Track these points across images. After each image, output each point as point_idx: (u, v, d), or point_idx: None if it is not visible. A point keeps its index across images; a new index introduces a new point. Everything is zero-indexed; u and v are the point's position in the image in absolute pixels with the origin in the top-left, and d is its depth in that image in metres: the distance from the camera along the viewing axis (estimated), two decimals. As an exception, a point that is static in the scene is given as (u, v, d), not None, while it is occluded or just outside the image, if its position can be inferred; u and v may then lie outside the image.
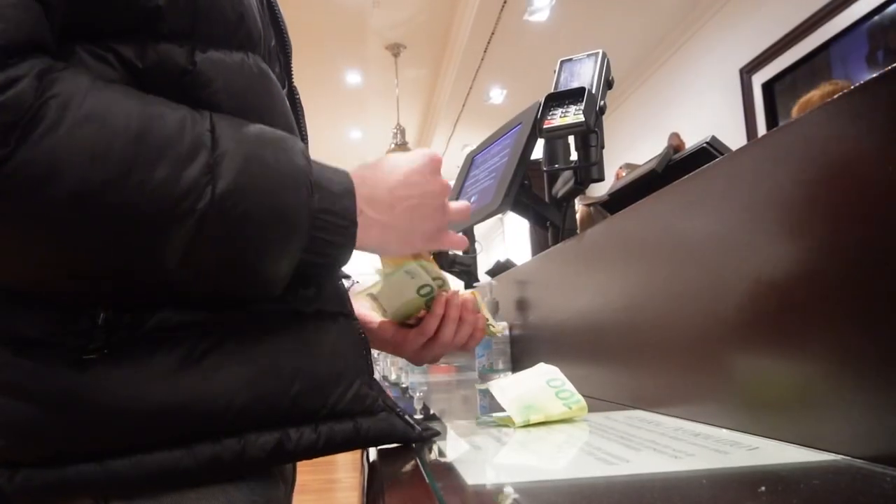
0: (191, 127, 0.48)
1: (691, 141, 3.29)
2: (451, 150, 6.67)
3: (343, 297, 0.63)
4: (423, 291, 0.76)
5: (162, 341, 0.51)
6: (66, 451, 0.49)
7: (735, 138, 3.75)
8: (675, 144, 4.41)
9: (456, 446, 0.62)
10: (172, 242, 0.47)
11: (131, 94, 0.48)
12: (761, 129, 3.75)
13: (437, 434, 0.66)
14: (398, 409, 0.62)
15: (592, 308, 1.00)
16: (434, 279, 0.76)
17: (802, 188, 0.53)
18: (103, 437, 0.50)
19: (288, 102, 0.64)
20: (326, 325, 0.60)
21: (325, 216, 0.54)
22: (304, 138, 0.70)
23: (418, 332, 0.80)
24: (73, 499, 0.50)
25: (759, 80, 3.78)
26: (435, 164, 0.66)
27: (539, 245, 1.66)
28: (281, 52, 0.67)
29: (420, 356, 0.82)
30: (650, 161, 1.19)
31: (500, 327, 1.40)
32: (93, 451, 0.50)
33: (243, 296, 0.55)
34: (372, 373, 0.62)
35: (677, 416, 0.70)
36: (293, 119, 0.64)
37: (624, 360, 0.88)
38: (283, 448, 0.54)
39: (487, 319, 0.84)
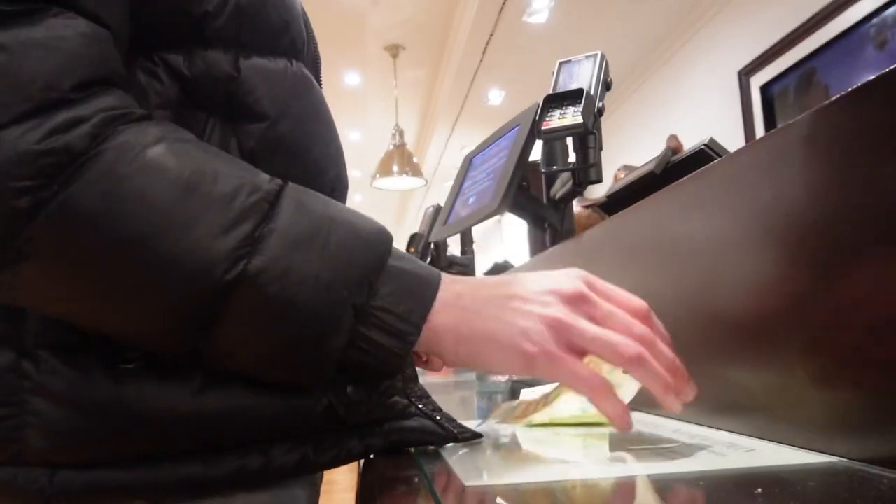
0: (249, 193, 0.47)
1: (690, 143, 3.30)
2: (450, 152, 6.67)
3: None
4: None
5: (195, 353, 0.51)
6: (102, 457, 0.50)
7: (734, 140, 3.76)
8: (674, 146, 4.40)
9: (454, 447, 0.62)
10: (195, 309, 0.46)
11: (197, 147, 0.47)
12: (759, 131, 3.76)
13: (479, 437, 0.63)
14: (435, 414, 0.61)
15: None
16: None
17: (801, 190, 0.53)
18: (136, 445, 0.51)
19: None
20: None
21: (381, 314, 0.49)
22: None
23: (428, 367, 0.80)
24: (106, 501, 0.51)
25: (757, 82, 3.78)
26: (575, 271, 0.56)
27: (537, 246, 1.65)
28: (312, 65, 0.67)
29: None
30: (648, 163, 1.19)
31: None
32: (126, 457, 0.51)
33: (282, 381, 0.52)
34: (409, 380, 0.61)
35: (675, 419, 0.70)
36: (335, 127, 0.64)
37: (621, 361, 0.88)
38: (308, 459, 0.55)
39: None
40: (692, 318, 0.70)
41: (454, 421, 0.63)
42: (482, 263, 2.50)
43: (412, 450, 0.61)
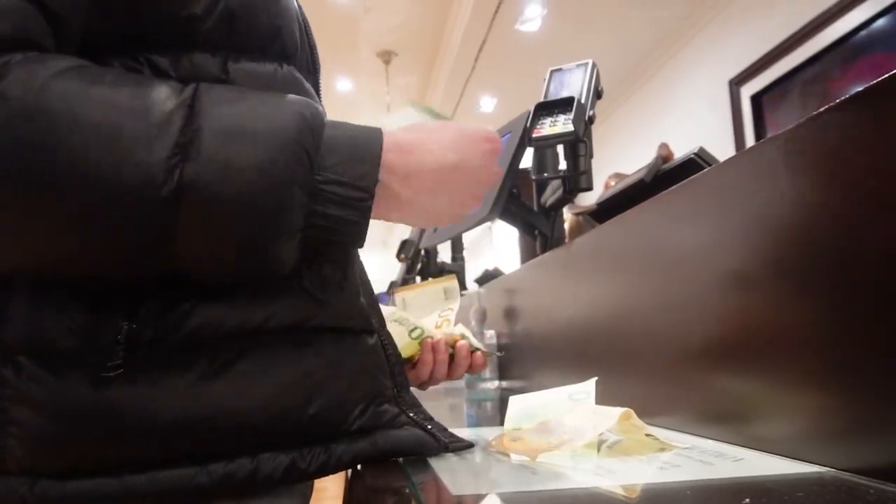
0: (163, 100, 0.46)
1: (681, 151, 3.31)
2: (442, 158, 6.67)
3: (367, 314, 0.62)
4: (414, 335, 0.79)
5: (182, 358, 0.51)
6: (84, 465, 0.50)
7: (724, 148, 3.78)
8: (664, 154, 4.42)
9: (442, 456, 0.62)
10: (153, 227, 0.46)
11: (96, 78, 0.46)
12: (749, 139, 3.78)
13: (470, 446, 0.64)
14: (425, 424, 0.61)
15: (580, 317, 1.00)
16: (413, 329, 0.80)
17: (788, 201, 0.53)
18: (120, 452, 0.50)
19: None
20: (349, 343, 0.59)
21: (332, 187, 0.50)
22: None
23: (414, 376, 0.81)
24: None
25: (747, 91, 3.80)
26: (494, 149, 0.61)
27: (527, 254, 1.65)
28: (311, 70, 0.66)
29: (421, 388, 0.83)
30: (639, 171, 1.20)
31: (501, 353, 1.40)
32: (110, 465, 0.50)
33: (254, 277, 0.53)
34: (401, 388, 0.61)
35: (665, 427, 0.70)
36: None
37: (611, 369, 0.88)
38: (296, 467, 0.54)
39: (484, 352, 0.86)
40: (680, 326, 0.70)
41: (446, 430, 0.62)
42: (472, 269, 2.50)
43: (400, 459, 0.61)
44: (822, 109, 0.49)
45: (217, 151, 0.46)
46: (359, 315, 0.60)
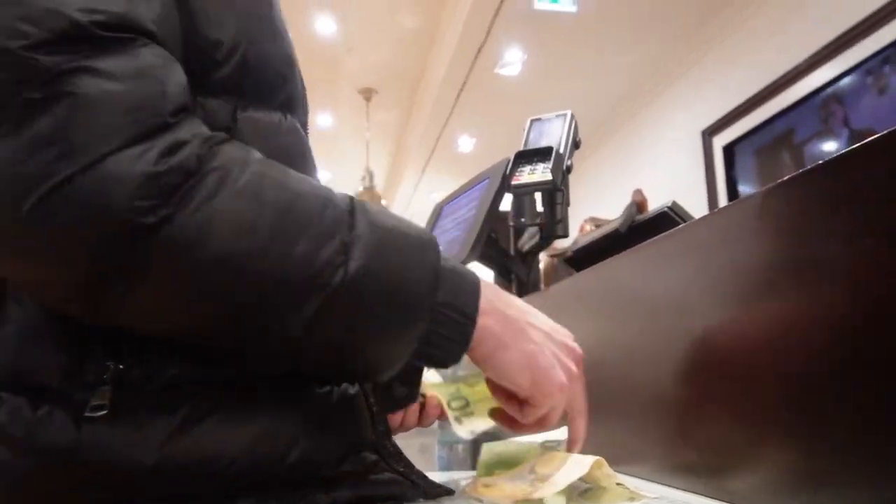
0: (332, 208, 0.50)
1: (655, 196, 3.37)
2: (419, 196, 6.72)
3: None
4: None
5: (166, 401, 0.51)
6: None
7: (697, 195, 3.87)
8: (639, 201, 4.49)
9: (417, 502, 0.62)
10: (302, 312, 0.48)
11: (280, 172, 0.50)
12: (721, 188, 3.87)
13: (450, 493, 0.64)
14: (407, 473, 0.61)
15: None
16: None
17: (755, 260, 0.56)
18: (97, 495, 0.49)
19: None
20: (330, 392, 0.59)
21: (446, 310, 0.52)
22: None
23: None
24: None
25: (720, 142, 3.91)
26: (576, 356, 0.61)
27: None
28: (303, 114, 0.67)
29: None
30: (614, 220, 1.23)
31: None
32: None
33: (354, 374, 0.56)
34: (382, 436, 0.61)
35: (636, 476, 0.72)
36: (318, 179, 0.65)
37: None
38: None
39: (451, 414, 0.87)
40: (651, 376, 0.72)
41: (426, 478, 0.63)
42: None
43: None
44: (790, 176, 0.52)
45: (373, 257, 0.49)
46: None
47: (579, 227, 2.98)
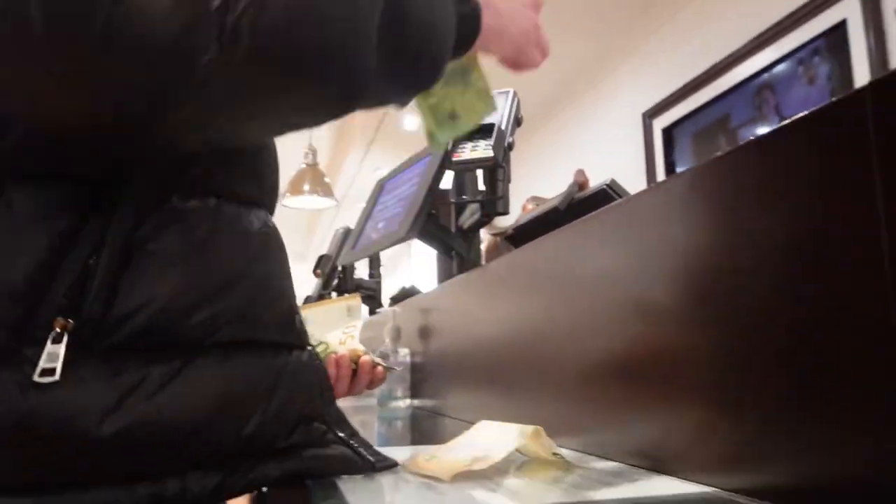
0: None
1: (596, 177, 3.41)
2: (364, 174, 6.65)
3: (300, 330, 0.62)
4: (318, 350, 0.79)
5: (116, 368, 0.48)
6: (1, 481, 0.46)
7: (636, 175, 3.94)
8: (580, 181, 4.56)
9: (351, 480, 0.62)
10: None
11: None
12: (660, 169, 3.95)
13: (395, 465, 0.64)
14: (352, 442, 0.61)
15: (495, 337, 1.03)
16: (318, 344, 0.81)
17: (691, 232, 0.57)
18: (42, 468, 0.47)
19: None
20: (286, 358, 0.58)
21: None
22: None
23: None
24: None
25: (659, 124, 3.98)
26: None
27: (445, 273, 1.67)
28: None
29: None
30: (555, 198, 1.24)
31: (400, 368, 1.41)
32: (29, 483, 0.47)
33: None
34: (328, 404, 0.61)
35: (573, 448, 0.73)
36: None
37: (524, 389, 0.90)
38: (224, 486, 0.53)
39: (384, 366, 0.89)
40: (588, 349, 0.73)
41: (371, 447, 0.63)
42: (389, 287, 2.50)
43: (308, 481, 0.61)
44: (724, 152, 0.53)
45: None
46: (293, 330, 0.60)
47: (522, 206, 3.00)
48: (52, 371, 0.46)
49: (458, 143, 1.20)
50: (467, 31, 0.59)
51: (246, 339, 0.55)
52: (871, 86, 0.41)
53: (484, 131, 1.19)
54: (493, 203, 1.22)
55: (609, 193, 1.00)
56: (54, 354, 0.46)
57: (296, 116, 0.51)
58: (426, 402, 1.41)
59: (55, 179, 0.49)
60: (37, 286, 0.47)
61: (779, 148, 0.48)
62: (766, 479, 0.48)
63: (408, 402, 1.46)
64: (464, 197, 1.33)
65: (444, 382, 1.30)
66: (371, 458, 0.62)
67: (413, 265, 7.64)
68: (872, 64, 2.45)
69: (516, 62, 0.68)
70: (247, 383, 0.55)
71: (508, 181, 1.23)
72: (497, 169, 1.21)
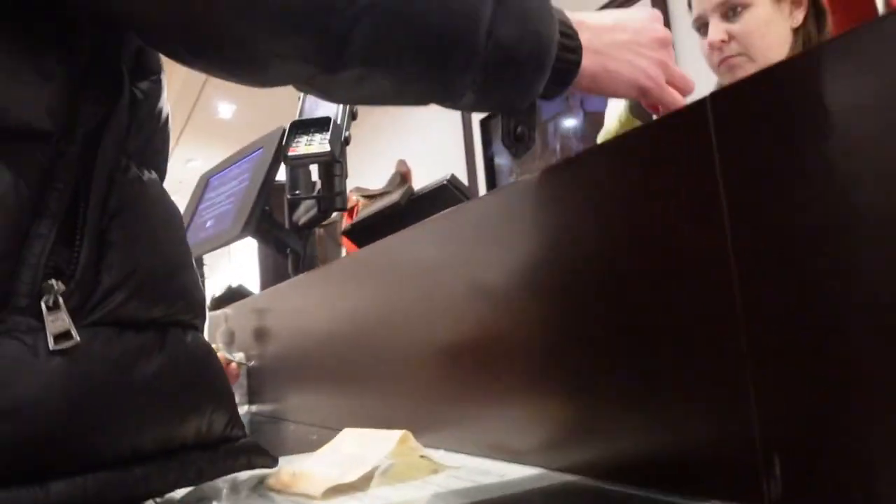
0: None
1: (418, 167, 3.44)
2: (176, 164, 6.25)
3: (203, 307, 0.60)
4: None
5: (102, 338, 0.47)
6: None
7: (457, 167, 4.05)
8: (403, 171, 4.61)
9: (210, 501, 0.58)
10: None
11: None
12: (479, 160, 4.10)
13: (276, 462, 0.64)
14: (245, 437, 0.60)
15: (341, 338, 1.00)
16: None
17: (536, 237, 0.59)
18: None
19: None
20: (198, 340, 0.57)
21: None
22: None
23: None
24: None
25: (477, 116, 4.12)
26: (654, 14, 0.65)
27: (271, 271, 1.62)
28: None
29: None
30: (388, 192, 1.23)
31: (252, 363, 1.35)
32: None
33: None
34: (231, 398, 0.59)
35: (441, 447, 0.73)
36: None
37: (378, 390, 0.89)
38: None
39: (237, 363, 0.85)
40: (440, 345, 0.73)
41: (257, 444, 0.63)
42: (212, 285, 2.38)
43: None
44: (563, 160, 0.56)
45: None
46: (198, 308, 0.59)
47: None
48: (68, 335, 0.44)
49: (292, 137, 1.15)
50: (564, 67, 0.56)
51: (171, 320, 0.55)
52: (712, 96, 0.44)
53: (319, 125, 1.16)
54: (331, 199, 1.19)
55: (451, 189, 1.02)
56: (59, 320, 0.45)
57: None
58: (265, 407, 1.35)
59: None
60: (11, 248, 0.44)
61: (612, 158, 0.52)
62: (607, 457, 0.51)
63: (245, 408, 1.40)
64: (298, 193, 1.28)
65: (284, 386, 1.26)
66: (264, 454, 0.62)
67: (233, 263, 7.32)
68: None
69: (652, 105, 0.64)
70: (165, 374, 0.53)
71: (346, 176, 1.21)
72: (334, 164, 1.18)
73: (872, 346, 0.34)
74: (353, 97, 0.53)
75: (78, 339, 0.44)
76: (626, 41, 0.61)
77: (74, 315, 0.45)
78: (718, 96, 0.43)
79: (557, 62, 0.54)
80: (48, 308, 0.44)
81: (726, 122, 0.42)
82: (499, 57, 0.50)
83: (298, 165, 1.15)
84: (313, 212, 1.29)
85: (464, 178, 3.90)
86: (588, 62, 0.57)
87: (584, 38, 0.57)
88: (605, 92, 0.62)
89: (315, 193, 1.23)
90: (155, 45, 0.49)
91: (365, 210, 1.21)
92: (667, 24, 2.46)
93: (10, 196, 0.43)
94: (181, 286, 0.55)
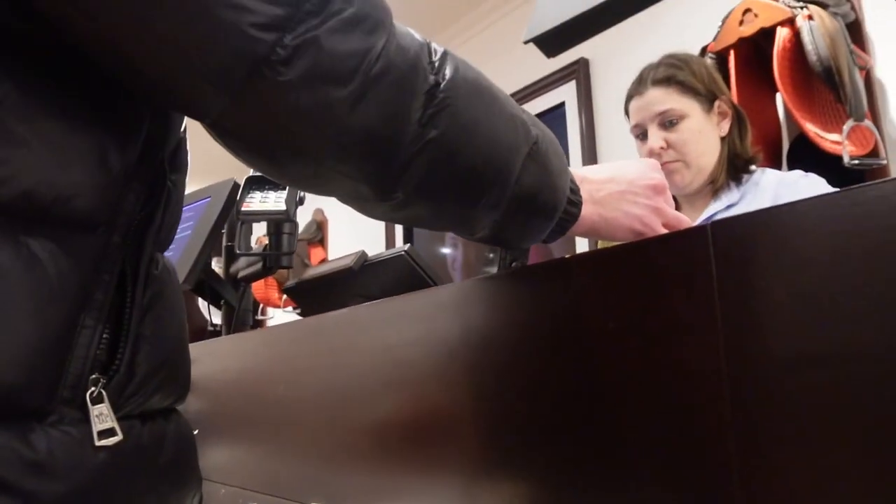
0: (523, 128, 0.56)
1: (333, 215, 3.37)
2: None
3: None
4: None
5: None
6: None
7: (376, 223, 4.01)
8: (319, 220, 4.60)
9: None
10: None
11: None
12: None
13: None
14: None
15: (277, 401, 0.98)
16: None
17: (486, 327, 0.61)
18: None
19: None
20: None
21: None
22: None
23: None
24: None
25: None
26: (651, 163, 0.70)
27: (198, 319, 1.56)
28: None
29: None
30: (347, 257, 1.21)
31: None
32: None
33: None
34: None
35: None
36: None
37: (307, 456, 0.88)
38: None
39: None
40: (376, 419, 0.73)
41: None
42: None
43: None
44: (535, 264, 0.59)
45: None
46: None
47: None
48: (112, 431, 0.45)
49: (246, 192, 1.14)
50: (566, 217, 0.60)
51: None
52: (712, 225, 0.47)
53: (275, 183, 1.15)
54: (279, 258, 1.18)
55: (407, 260, 1.03)
56: (103, 415, 0.45)
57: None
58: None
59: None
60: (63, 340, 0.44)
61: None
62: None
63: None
64: (239, 245, 1.25)
65: (211, 445, 1.21)
66: None
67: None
68: (583, 140, 2.81)
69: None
70: None
71: (297, 236, 1.20)
72: (286, 222, 1.17)
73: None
74: (388, 217, 0.54)
75: (121, 435, 0.45)
76: (621, 192, 0.66)
77: (113, 407, 0.46)
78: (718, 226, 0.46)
79: (562, 213, 0.59)
80: (91, 400, 0.44)
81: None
82: (519, 203, 0.54)
83: (251, 221, 1.14)
84: (256, 267, 1.27)
85: (382, 234, 3.88)
86: (587, 212, 0.62)
87: (584, 190, 0.62)
88: (604, 237, 0.68)
89: (262, 250, 1.21)
90: (229, 145, 0.48)
91: (312, 271, 1.20)
92: (588, 98, 2.56)
93: (68, 285, 0.43)
94: (187, 373, 0.56)
